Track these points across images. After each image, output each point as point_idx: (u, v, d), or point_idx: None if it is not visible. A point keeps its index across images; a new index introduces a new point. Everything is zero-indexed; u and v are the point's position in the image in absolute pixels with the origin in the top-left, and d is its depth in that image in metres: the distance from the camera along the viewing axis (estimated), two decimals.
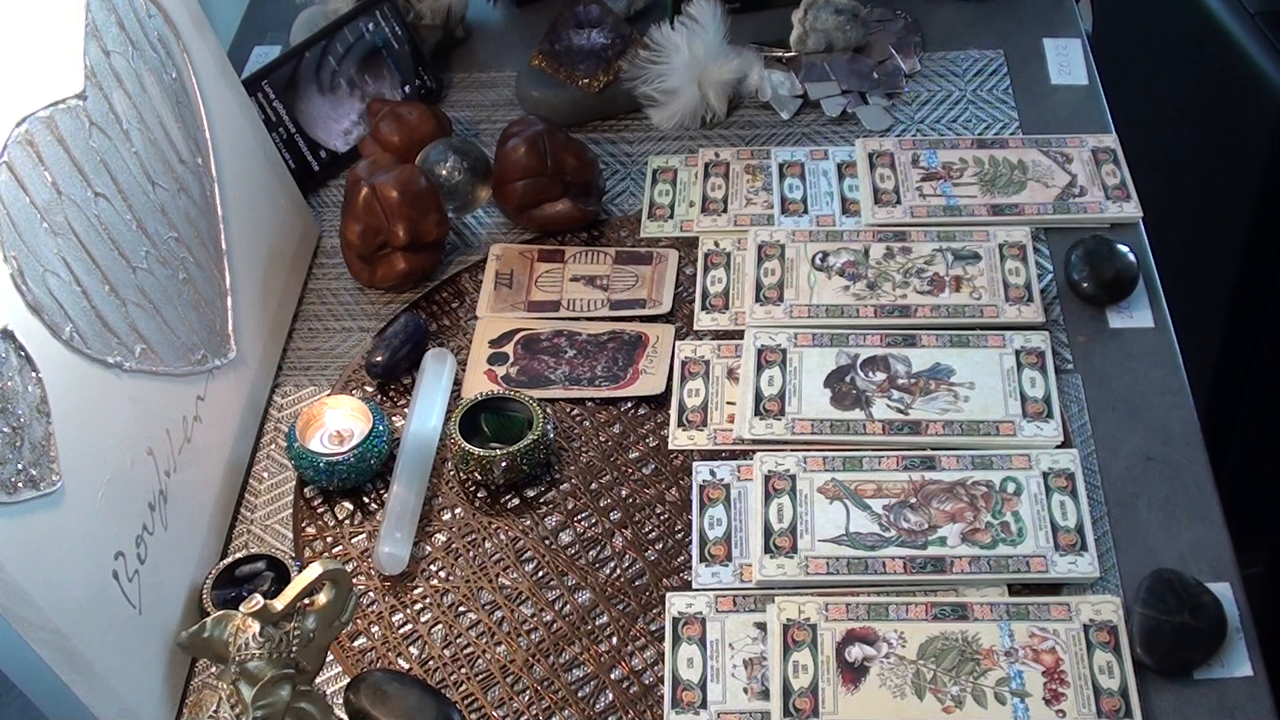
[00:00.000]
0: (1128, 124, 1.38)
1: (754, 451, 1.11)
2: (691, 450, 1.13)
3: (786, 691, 0.97)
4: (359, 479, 1.12)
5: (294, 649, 0.89)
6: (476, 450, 1.10)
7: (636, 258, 1.28)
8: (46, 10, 0.97)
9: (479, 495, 1.12)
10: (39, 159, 0.93)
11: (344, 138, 1.40)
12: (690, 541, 1.07)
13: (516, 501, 1.12)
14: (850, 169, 1.33)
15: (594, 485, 1.12)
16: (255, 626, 0.88)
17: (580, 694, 1.00)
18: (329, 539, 1.10)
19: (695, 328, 1.22)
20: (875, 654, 0.98)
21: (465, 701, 1.00)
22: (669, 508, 1.10)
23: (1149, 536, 1.05)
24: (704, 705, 0.97)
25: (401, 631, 1.05)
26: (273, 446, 1.17)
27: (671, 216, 1.32)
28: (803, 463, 1.09)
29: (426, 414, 1.15)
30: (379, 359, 1.19)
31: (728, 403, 1.16)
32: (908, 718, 0.95)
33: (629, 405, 1.17)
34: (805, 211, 1.30)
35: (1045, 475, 1.07)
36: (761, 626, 1.01)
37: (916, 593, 1.02)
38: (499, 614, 1.05)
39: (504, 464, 1.09)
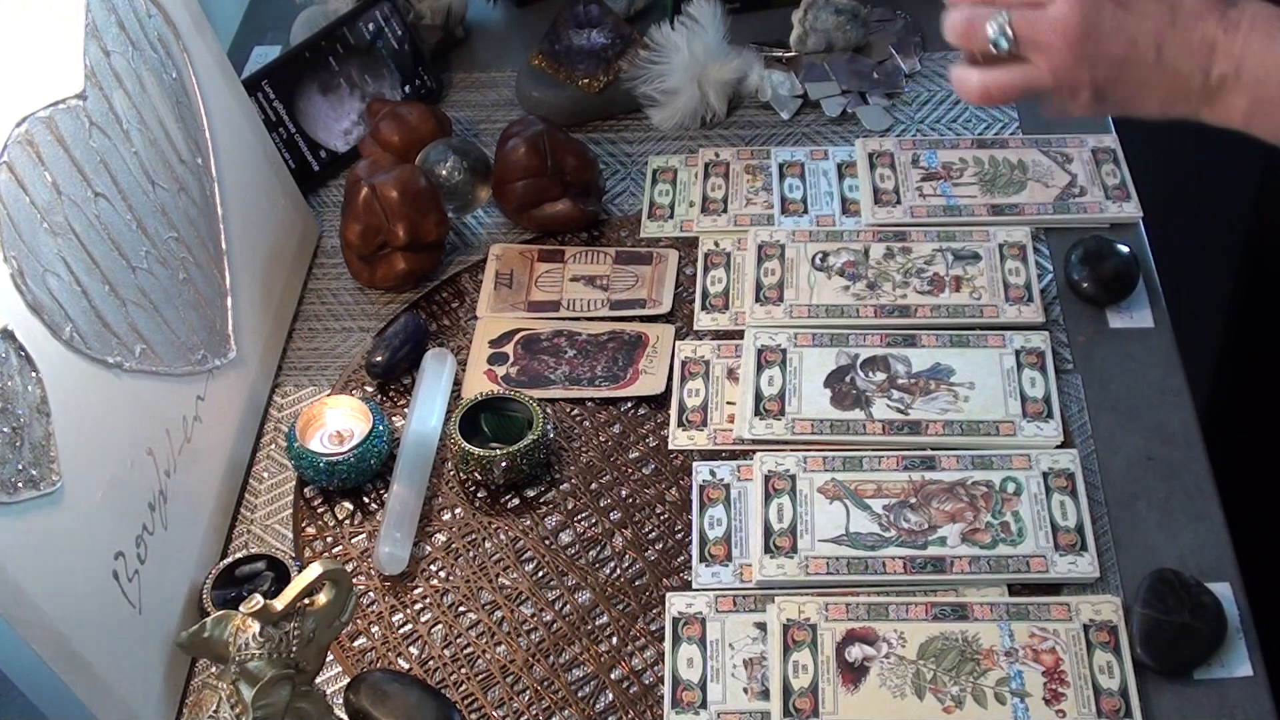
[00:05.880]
0: (1128, 124, 1.37)
1: (754, 451, 1.11)
2: (691, 450, 1.13)
3: (786, 691, 0.97)
4: (359, 479, 1.11)
5: (294, 649, 0.89)
6: (476, 450, 1.10)
7: (636, 258, 1.28)
8: (46, 10, 0.97)
9: (479, 495, 1.12)
10: (39, 159, 0.93)
11: (344, 138, 1.40)
12: (690, 541, 1.07)
13: (516, 501, 1.12)
14: (850, 169, 1.33)
15: (594, 485, 1.12)
16: (255, 626, 0.88)
17: (580, 694, 1.00)
18: (329, 539, 1.10)
19: (695, 328, 1.22)
20: (875, 654, 0.98)
21: (465, 701, 1.00)
22: (669, 508, 1.10)
23: (1149, 536, 1.05)
24: (704, 705, 0.97)
25: (401, 631, 1.05)
26: (273, 446, 1.17)
27: (671, 216, 1.32)
28: (803, 463, 1.09)
29: (426, 414, 1.15)
30: (379, 359, 1.19)
31: (728, 403, 1.15)
32: (908, 718, 0.95)
33: (629, 405, 1.17)
34: (805, 211, 1.30)
35: (1045, 475, 1.07)
36: (761, 626, 1.01)
37: (916, 593, 1.02)
38: (499, 614, 1.05)
39: (504, 464, 1.09)
